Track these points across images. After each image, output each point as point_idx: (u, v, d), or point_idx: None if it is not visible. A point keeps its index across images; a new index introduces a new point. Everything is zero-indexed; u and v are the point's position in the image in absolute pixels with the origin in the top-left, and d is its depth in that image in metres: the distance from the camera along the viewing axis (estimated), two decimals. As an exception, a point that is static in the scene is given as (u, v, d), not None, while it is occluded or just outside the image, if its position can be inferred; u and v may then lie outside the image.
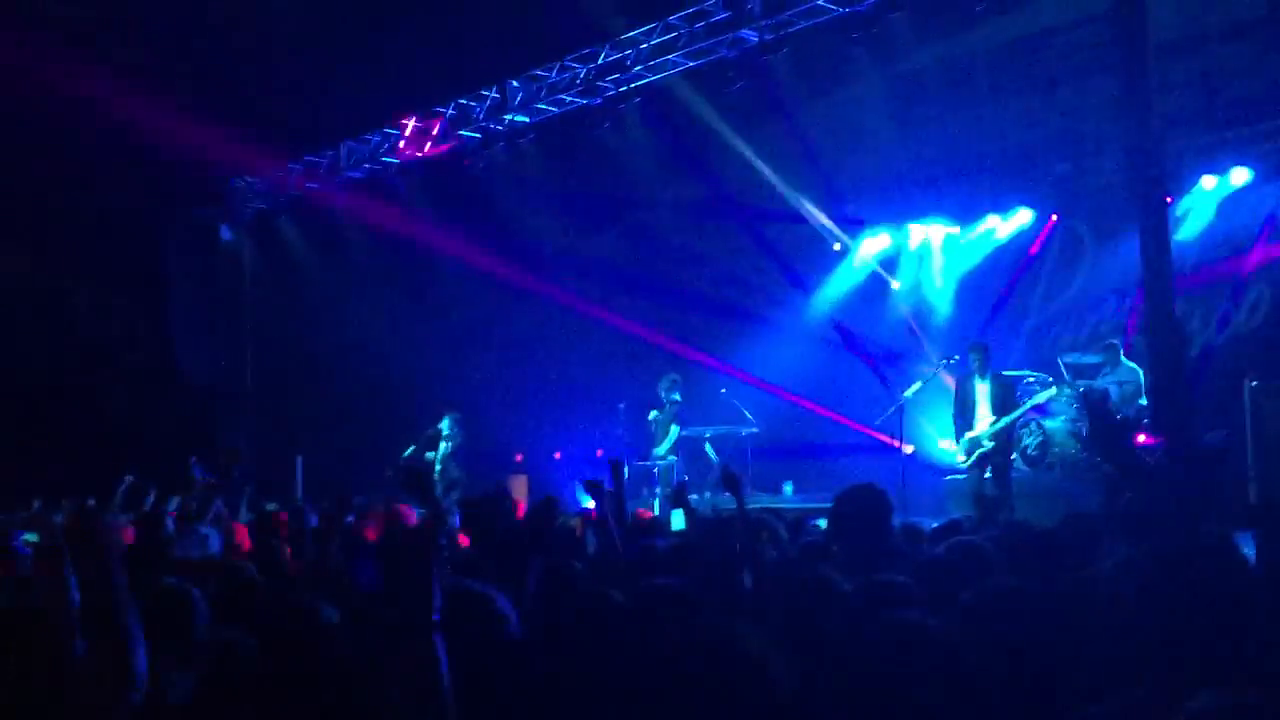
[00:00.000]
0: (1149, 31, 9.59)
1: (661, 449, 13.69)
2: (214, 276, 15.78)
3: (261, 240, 15.83)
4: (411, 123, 15.11)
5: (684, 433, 13.73)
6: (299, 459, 14.20)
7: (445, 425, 15.09)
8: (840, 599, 3.23)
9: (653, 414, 13.94)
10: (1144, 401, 11.56)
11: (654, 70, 13.09)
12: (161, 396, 14.90)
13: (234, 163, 15.82)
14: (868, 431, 13.59)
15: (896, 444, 11.50)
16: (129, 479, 9.50)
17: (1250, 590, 2.34)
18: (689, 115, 13.62)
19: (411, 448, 14.96)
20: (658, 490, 13.70)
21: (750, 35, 12.23)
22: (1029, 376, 12.88)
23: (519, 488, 14.45)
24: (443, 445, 15.17)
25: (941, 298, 15.48)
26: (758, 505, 12.42)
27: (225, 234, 15.78)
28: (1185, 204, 12.82)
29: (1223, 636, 2.19)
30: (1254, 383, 9.31)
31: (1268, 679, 2.12)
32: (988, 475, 10.81)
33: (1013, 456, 11.45)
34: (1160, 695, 2.11)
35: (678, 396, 13.70)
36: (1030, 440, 12.19)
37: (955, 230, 15.15)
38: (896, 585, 3.34)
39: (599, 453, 16.25)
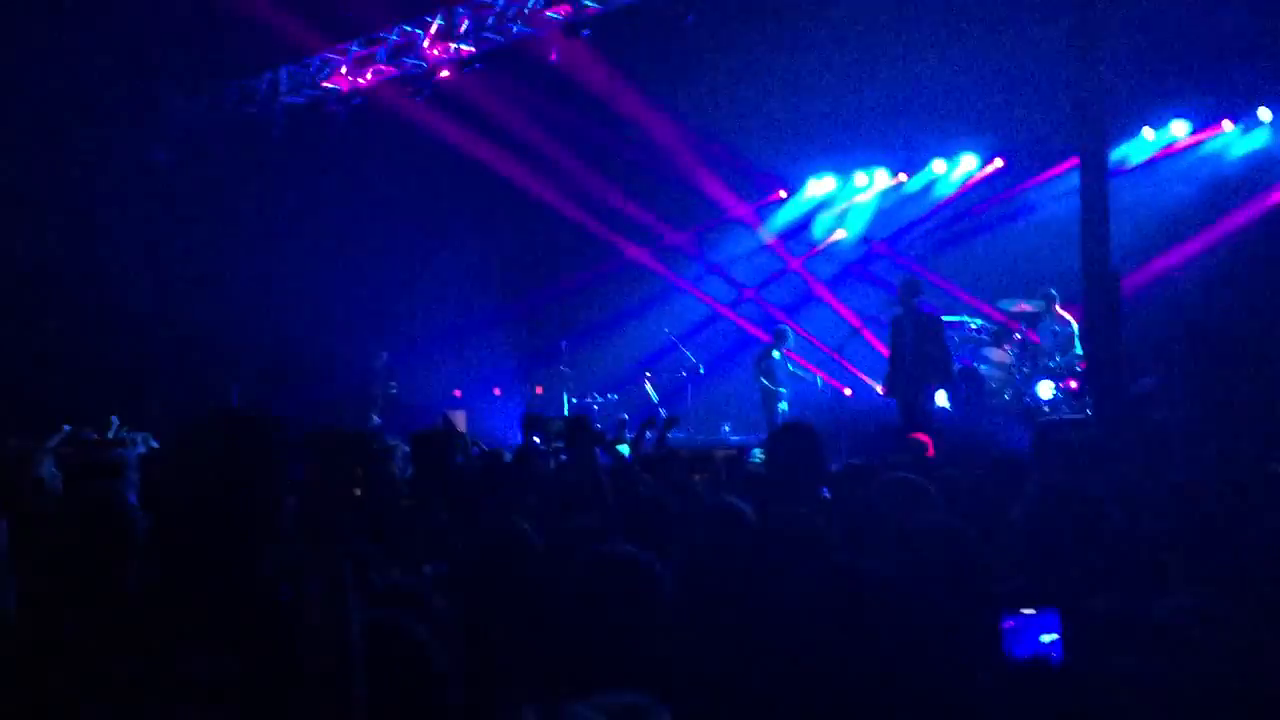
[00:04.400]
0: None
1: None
2: (145, 200, 15.28)
3: (194, 164, 15.32)
4: (353, 48, 14.72)
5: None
6: (234, 388, 14.00)
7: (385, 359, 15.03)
8: (747, 530, 3.25)
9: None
10: (1079, 350, 11.73)
11: (601, 2, 12.85)
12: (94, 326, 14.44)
13: (168, 82, 15.31)
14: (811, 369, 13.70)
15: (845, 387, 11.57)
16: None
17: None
18: (636, 49, 13.41)
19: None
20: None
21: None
22: (971, 323, 13.00)
23: (458, 423, 14.37)
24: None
25: (882, 243, 15.55)
26: (695, 444, 12.56)
27: (159, 155, 15.26)
28: (1123, 153, 12.96)
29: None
30: (1182, 332, 9.47)
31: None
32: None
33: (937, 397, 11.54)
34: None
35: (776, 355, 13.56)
36: (969, 386, 12.29)
37: (902, 178, 15.19)
38: (802, 519, 3.37)
39: (539, 389, 16.21)
